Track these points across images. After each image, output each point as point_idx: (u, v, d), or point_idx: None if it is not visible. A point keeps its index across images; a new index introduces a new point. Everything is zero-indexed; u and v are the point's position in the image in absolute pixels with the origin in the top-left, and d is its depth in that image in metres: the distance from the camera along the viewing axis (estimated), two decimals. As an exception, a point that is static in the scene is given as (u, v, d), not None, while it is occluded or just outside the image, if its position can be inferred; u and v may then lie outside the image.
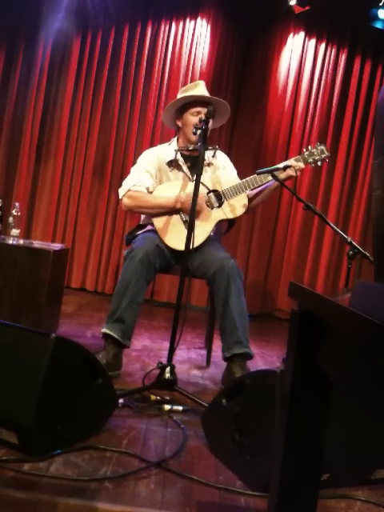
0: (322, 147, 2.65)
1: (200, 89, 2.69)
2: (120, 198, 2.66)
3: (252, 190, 2.64)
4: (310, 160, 2.64)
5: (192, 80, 4.61)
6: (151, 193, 2.64)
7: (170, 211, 2.59)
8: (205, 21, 4.66)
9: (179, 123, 2.70)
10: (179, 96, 2.69)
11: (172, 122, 2.76)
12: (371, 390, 0.70)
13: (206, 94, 2.69)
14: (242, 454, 1.58)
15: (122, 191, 2.64)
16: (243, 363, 2.43)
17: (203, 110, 2.58)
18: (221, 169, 2.74)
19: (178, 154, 2.66)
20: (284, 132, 4.70)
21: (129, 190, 2.61)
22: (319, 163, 2.66)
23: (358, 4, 4.37)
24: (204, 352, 3.01)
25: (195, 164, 2.66)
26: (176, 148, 2.67)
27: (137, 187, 2.61)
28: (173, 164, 2.68)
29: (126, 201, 2.63)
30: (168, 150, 2.71)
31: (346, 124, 4.69)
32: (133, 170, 2.71)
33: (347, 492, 1.57)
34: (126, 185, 2.63)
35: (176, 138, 2.76)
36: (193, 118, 2.61)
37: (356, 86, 4.67)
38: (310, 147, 2.66)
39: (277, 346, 3.59)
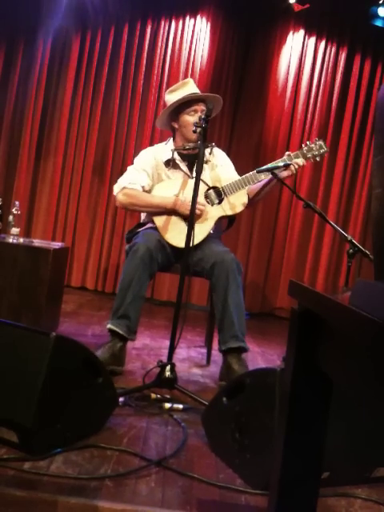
0: (321, 142, 2.66)
1: (191, 87, 2.67)
2: (114, 194, 2.67)
3: (255, 184, 2.65)
4: (309, 155, 2.64)
5: (192, 78, 4.61)
6: (148, 192, 2.64)
7: (166, 211, 2.59)
8: (204, 19, 4.66)
9: (175, 125, 2.69)
10: (167, 96, 2.68)
11: (167, 124, 2.75)
12: (371, 388, 0.70)
13: (198, 91, 2.69)
14: (242, 453, 1.58)
15: (116, 188, 2.65)
16: (239, 356, 2.45)
17: (199, 108, 2.60)
18: (219, 166, 2.74)
19: (175, 153, 2.66)
20: (284, 130, 4.70)
21: (124, 188, 2.61)
22: (318, 158, 2.67)
23: (358, 2, 4.36)
24: (204, 350, 3.01)
25: (193, 162, 2.67)
26: (172, 148, 2.67)
27: (132, 185, 2.61)
28: (170, 163, 2.68)
29: (120, 198, 2.63)
30: (165, 149, 2.71)
31: (346, 122, 4.68)
32: (129, 168, 2.72)
33: (347, 490, 1.57)
34: (122, 182, 2.64)
35: (172, 138, 2.76)
36: (190, 117, 2.61)
37: (356, 84, 4.67)
38: (308, 142, 2.67)
39: (277, 344, 3.59)
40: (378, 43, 4.61)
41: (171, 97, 2.66)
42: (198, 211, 2.51)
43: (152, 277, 2.54)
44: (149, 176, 2.66)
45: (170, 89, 2.73)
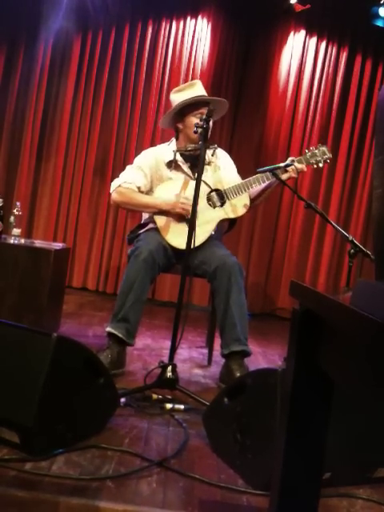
0: (324, 148, 2.66)
1: (198, 89, 2.66)
2: (110, 192, 2.70)
3: (257, 187, 2.66)
4: (312, 161, 2.65)
5: (193, 79, 4.61)
6: (143, 193, 2.65)
7: (160, 212, 2.59)
8: (205, 20, 4.66)
9: (180, 125, 2.69)
10: (173, 96, 2.67)
11: (171, 124, 2.75)
12: (372, 388, 0.70)
13: (205, 93, 2.69)
14: (243, 453, 1.58)
15: (112, 186, 2.68)
16: (241, 361, 2.44)
17: (205, 111, 2.59)
18: (222, 168, 2.74)
19: (178, 154, 2.66)
20: (285, 132, 4.70)
21: (119, 186, 2.64)
22: (321, 164, 2.67)
23: (359, 2, 4.36)
24: (205, 351, 3.01)
25: (195, 163, 2.67)
26: (174, 149, 2.67)
27: (127, 184, 2.63)
28: (172, 165, 2.68)
29: (114, 196, 2.67)
30: (167, 150, 2.71)
31: (347, 123, 4.68)
32: (128, 167, 2.73)
33: (349, 491, 1.56)
34: (118, 181, 2.67)
35: (175, 139, 2.76)
36: (196, 119, 2.60)
37: (357, 85, 4.67)
38: (311, 148, 2.68)
39: (278, 344, 3.59)
40: (379, 43, 4.61)
41: (177, 97, 2.65)
42: (185, 208, 2.51)
43: (153, 280, 2.54)
44: (146, 177, 2.66)
45: (177, 89, 2.72)
